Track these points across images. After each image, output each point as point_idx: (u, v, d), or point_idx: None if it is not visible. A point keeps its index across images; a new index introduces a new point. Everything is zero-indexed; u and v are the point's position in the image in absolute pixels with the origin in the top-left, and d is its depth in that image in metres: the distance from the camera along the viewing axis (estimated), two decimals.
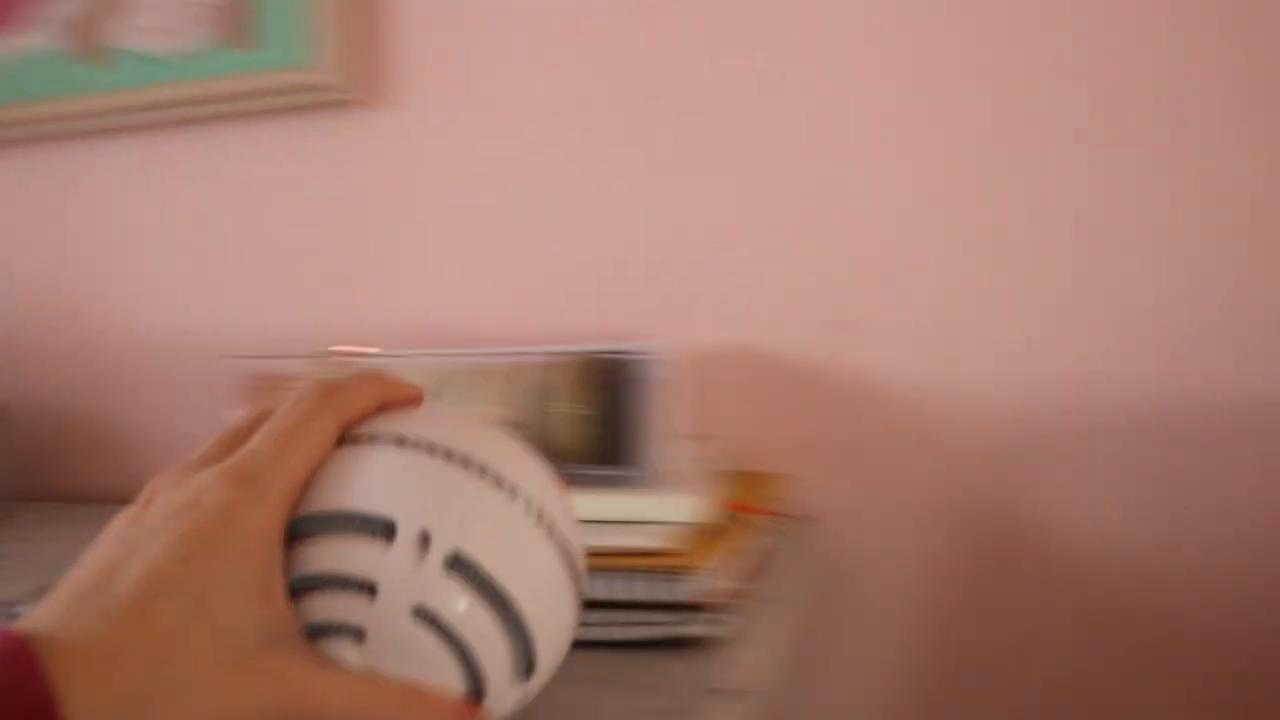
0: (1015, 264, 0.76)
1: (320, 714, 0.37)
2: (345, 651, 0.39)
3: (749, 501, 0.69)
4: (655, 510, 0.62)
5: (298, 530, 0.39)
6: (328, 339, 0.87)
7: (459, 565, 0.39)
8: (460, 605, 0.39)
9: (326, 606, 0.39)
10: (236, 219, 0.96)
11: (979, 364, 0.78)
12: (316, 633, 0.39)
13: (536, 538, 0.41)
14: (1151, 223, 0.74)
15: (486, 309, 0.88)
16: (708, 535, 0.62)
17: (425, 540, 0.38)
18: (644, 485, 0.64)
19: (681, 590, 0.56)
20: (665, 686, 0.52)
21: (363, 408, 0.42)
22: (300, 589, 0.39)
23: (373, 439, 0.41)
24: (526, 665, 0.41)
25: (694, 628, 0.56)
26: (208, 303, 0.98)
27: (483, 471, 0.41)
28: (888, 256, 0.79)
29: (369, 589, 0.38)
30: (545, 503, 0.42)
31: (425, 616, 0.38)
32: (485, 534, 0.40)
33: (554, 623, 0.42)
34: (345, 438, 0.42)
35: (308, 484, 0.40)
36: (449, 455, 0.41)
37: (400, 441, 0.41)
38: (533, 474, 0.43)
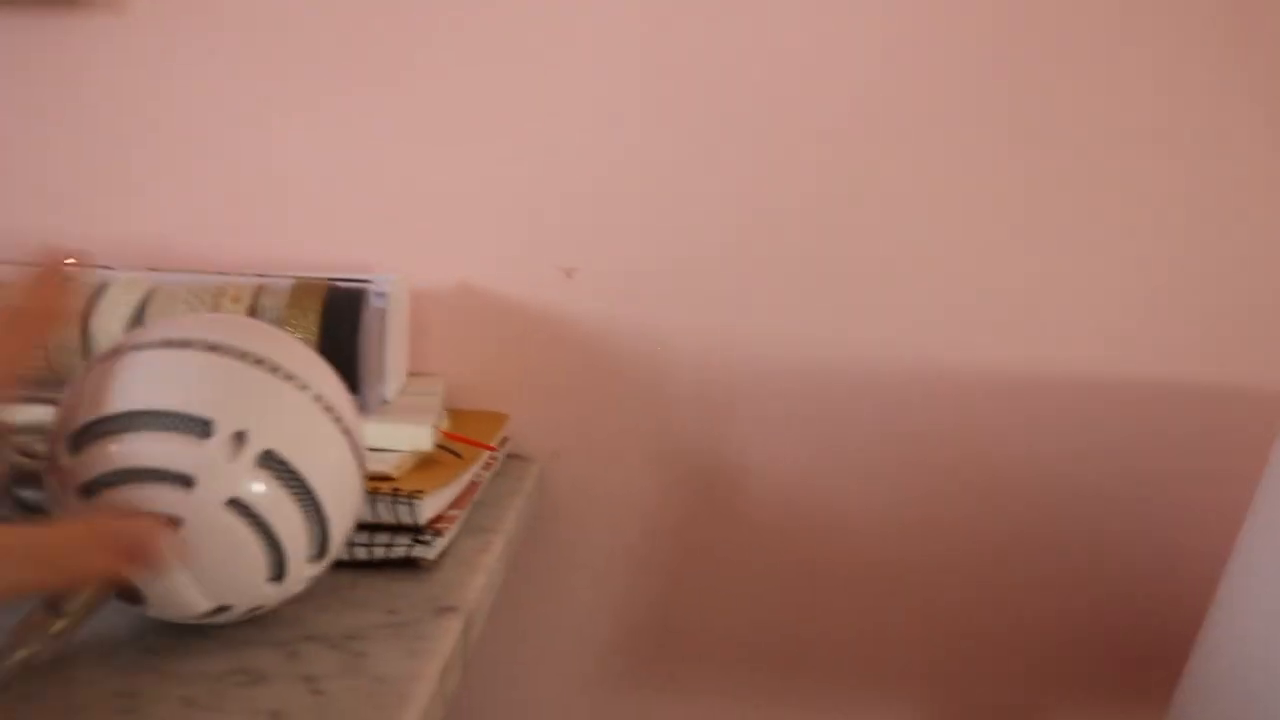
0: (729, 228, 0.82)
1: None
2: None
3: (467, 436, 0.71)
4: (375, 437, 0.62)
5: (113, 426, 0.43)
6: (46, 247, 0.81)
7: (269, 460, 0.44)
8: (269, 497, 0.44)
9: (143, 497, 0.43)
10: None
11: (695, 317, 0.83)
12: None
13: (334, 434, 0.47)
14: (849, 201, 0.81)
15: (212, 232, 0.84)
16: (426, 464, 0.64)
17: (240, 438, 0.43)
18: (364, 413, 0.65)
19: (402, 514, 0.57)
20: (387, 603, 0.54)
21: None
22: (115, 481, 0.43)
23: (185, 343, 0.45)
24: (321, 548, 0.47)
25: (413, 550, 0.57)
26: None
27: (286, 374, 0.46)
28: (610, 207, 0.82)
29: (186, 481, 0.42)
30: (335, 401, 0.48)
31: (238, 506, 0.43)
32: (292, 432, 0.45)
33: (345, 510, 0.48)
34: (158, 342, 0.46)
35: (122, 383, 0.44)
36: (257, 360, 0.45)
37: (212, 347, 0.45)
38: (324, 374, 0.48)
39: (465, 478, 0.66)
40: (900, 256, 0.81)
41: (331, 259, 0.82)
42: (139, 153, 0.84)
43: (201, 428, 0.43)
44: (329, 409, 0.47)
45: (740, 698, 0.90)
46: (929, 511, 0.85)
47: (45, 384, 0.62)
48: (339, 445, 0.47)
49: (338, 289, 0.66)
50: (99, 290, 0.65)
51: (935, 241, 0.81)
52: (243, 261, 0.82)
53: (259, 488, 0.44)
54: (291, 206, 0.84)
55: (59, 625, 0.43)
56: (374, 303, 0.67)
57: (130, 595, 0.45)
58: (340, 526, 0.48)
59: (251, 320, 0.49)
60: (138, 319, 0.64)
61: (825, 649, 0.88)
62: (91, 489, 0.43)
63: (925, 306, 0.82)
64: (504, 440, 0.80)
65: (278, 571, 0.46)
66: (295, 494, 0.45)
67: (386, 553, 0.57)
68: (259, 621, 0.50)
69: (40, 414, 0.57)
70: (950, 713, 0.89)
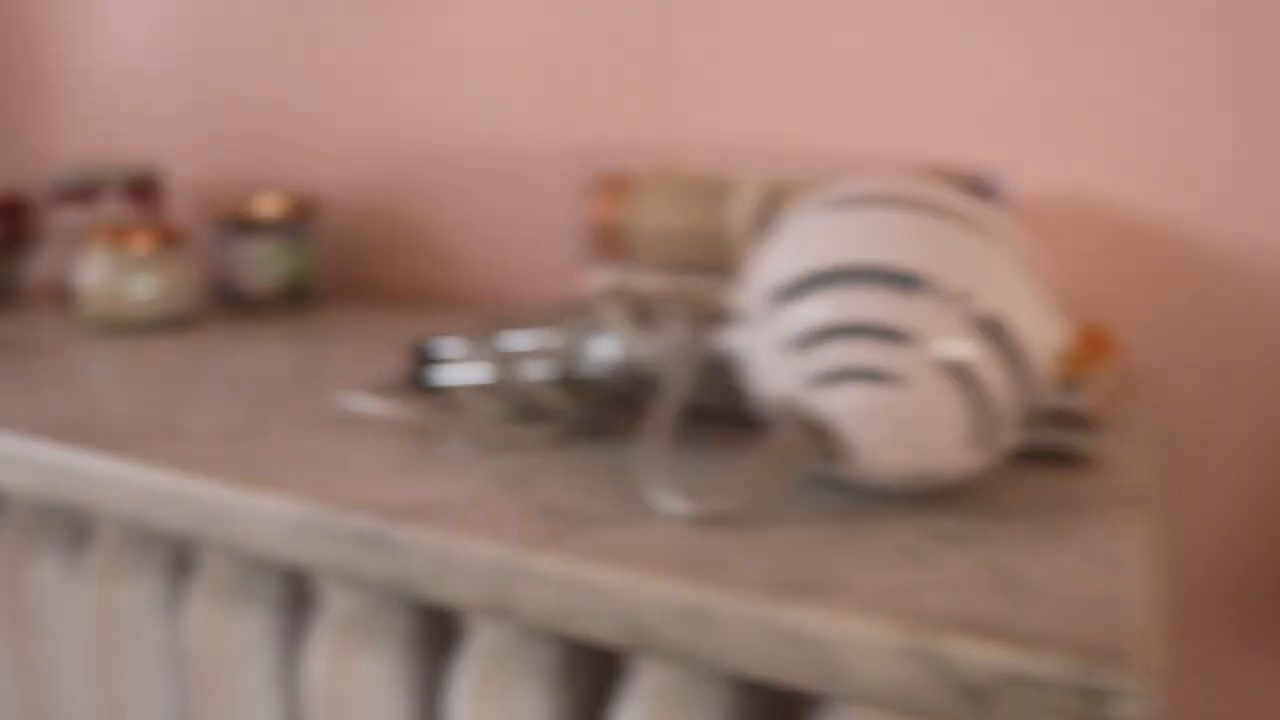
0: None
1: None
2: (858, 393, 0.42)
3: (1098, 337, 0.66)
4: None
5: (822, 281, 0.43)
6: (652, 148, 0.86)
7: (991, 325, 0.42)
8: (985, 361, 0.42)
9: (852, 354, 0.42)
10: (556, 22, 0.94)
11: None
12: (838, 377, 0.42)
13: (1041, 304, 0.44)
14: None
15: (833, 133, 0.85)
16: (1075, 355, 0.60)
17: (957, 297, 0.41)
18: None
19: (1066, 400, 0.54)
20: (1061, 493, 0.50)
21: None
22: (825, 337, 0.42)
23: (890, 200, 0.44)
24: (1023, 419, 0.45)
25: (1076, 439, 0.54)
26: (529, 110, 0.97)
27: (996, 236, 0.43)
28: (1239, 114, 0.73)
29: (899, 338, 0.41)
30: (1038, 272, 0.44)
31: (952, 368, 0.41)
32: (1008, 296, 0.42)
33: (1045, 385, 0.45)
34: (860, 198, 0.44)
35: (828, 239, 0.43)
36: (965, 219, 0.43)
37: (919, 205, 0.43)
38: (1023, 241, 0.45)
39: (1106, 371, 0.61)
40: None
41: (942, 155, 0.80)
42: (765, 56, 0.87)
43: (915, 284, 0.42)
44: (1043, 283, 0.44)
45: None
46: None
47: (690, 270, 0.66)
48: (1045, 315, 0.44)
49: (968, 181, 0.64)
50: (729, 186, 0.67)
51: None
52: (861, 161, 0.82)
53: (975, 350, 0.42)
54: (903, 108, 0.82)
55: (768, 472, 0.44)
56: (1000, 197, 0.64)
57: (831, 454, 0.45)
58: (1040, 399, 0.45)
59: (949, 188, 0.48)
60: (765, 213, 0.65)
61: None
62: (799, 344, 0.43)
63: None
64: (1122, 356, 0.74)
65: (979, 439, 0.43)
66: (1008, 361, 0.42)
67: (1038, 441, 0.54)
68: (950, 492, 0.49)
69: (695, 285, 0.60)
70: None
